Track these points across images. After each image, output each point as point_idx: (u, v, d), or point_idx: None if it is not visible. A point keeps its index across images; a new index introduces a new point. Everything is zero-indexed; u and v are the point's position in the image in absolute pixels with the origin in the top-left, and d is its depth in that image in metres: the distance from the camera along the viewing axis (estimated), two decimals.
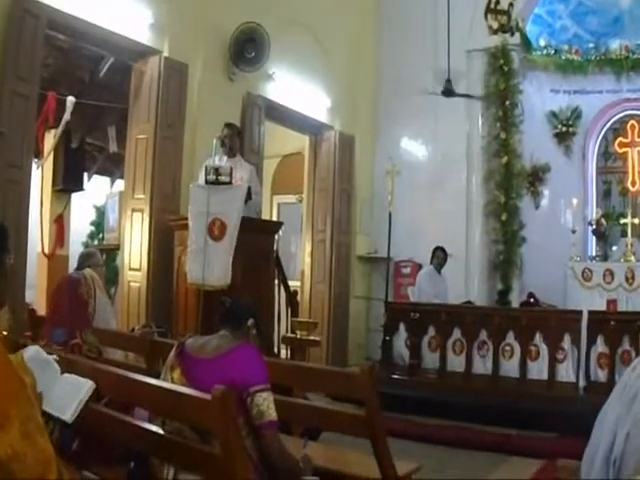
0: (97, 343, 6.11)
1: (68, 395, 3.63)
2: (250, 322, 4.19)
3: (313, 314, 12.89)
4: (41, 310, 7.75)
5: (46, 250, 11.04)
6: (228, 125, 9.10)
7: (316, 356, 11.37)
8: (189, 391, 3.60)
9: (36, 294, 10.80)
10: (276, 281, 9.88)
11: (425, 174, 13.89)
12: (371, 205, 14.28)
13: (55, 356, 3.89)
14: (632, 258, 12.58)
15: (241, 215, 7.98)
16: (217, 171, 8.01)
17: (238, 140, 9.38)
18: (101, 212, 15.17)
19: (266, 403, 3.74)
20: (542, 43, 14.84)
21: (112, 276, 11.63)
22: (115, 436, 4.23)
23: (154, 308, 9.35)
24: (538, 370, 10.14)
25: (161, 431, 3.85)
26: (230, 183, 8.05)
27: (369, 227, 14.24)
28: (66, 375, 3.78)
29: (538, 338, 10.18)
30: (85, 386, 3.70)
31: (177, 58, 9.88)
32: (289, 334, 9.70)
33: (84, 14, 8.66)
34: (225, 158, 8.91)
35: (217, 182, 7.97)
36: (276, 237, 9.80)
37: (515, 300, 13.31)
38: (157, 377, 4.11)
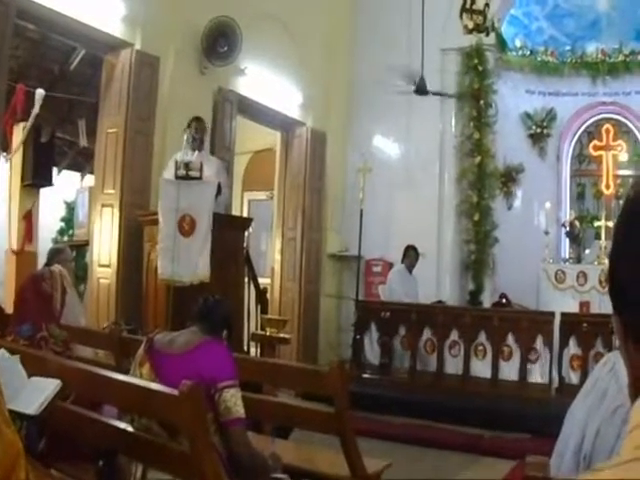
0: (63, 336, 6.08)
1: (35, 393, 3.61)
2: (224, 334, 4.19)
3: (283, 312, 12.86)
4: (9, 308, 7.70)
5: (14, 247, 10.95)
6: (198, 119, 9.04)
7: (286, 354, 11.34)
8: (157, 387, 3.60)
9: (4, 292, 10.68)
10: (246, 278, 9.88)
11: (397, 172, 13.87)
12: (342, 203, 14.25)
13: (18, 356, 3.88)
14: (605, 261, 12.59)
15: (212, 211, 7.96)
16: (187, 166, 7.98)
17: (206, 134, 9.33)
18: (71, 208, 15.06)
19: (233, 400, 3.75)
20: (518, 44, 14.89)
21: (82, 273, 11.54)
22: (83, 434, 4.22)
23: (124, 305, 9.28)
24: (510, 371, 10.20)
25: (130, 428, 3.84)
26: (200, 178, 8.02)
27: (340, 225, 14.20)
28: (33, 378, 3.76)
29: (510, 339, 10.24)
30: (52, 384, 3.68)
31: (149, 51, 9.81)
32: (259, 331, 9.70)
33: (55, 4, 8.56)
34: (195, 153, 8.81)
35: (187, 177, 7.94)
36: (246, 234, 9.81)
37: (487, 301, 13.31)
38: (126, 374, 4.09)
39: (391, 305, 11.36)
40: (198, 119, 9.08)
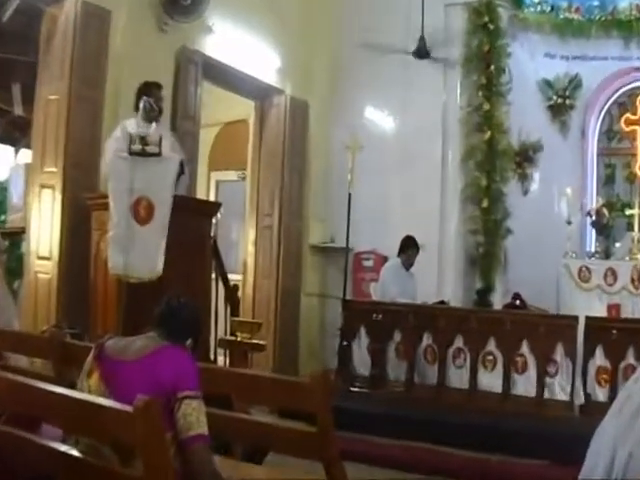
0: None
1: None
2: (188, 343, 4.15)
3: (257, 313, 12.90)
4: None
5: None
6: (157, 84, 8.95)
7: (260, 363, 11.34)
8: (106, 402, 3.55)
9: None
10: (213, 274, 9.85)
11: (392, 150, 13.84)
12: (327, 185, 14.21)
13: None
14: (639, 256, 12.55)
15: (172, 193, 7.92)
16: (144, 140, 7.91)
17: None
18: (3, 188, 15.01)
19: (195, 414, 3.74)
20: None
21: (16, 266, 11.48)
22: (16, 458, 4.16)
23: (67, 304, 9.21)
24: (525, 385, 10.19)
25: (73, 451, 3.79)
26: (159, 154, 7.95)
27: (325, 211, 14.19)
28: None
29: (525, 347, 10.22)
30: None
31: (97, 2, 9.72)
32: (228, 336, 9.67)
33: None
34: (153, 125, 8.69)
35: (144, 153, 7.87)
36: (213, 221, 9.77)
37: (498, 302, 13.26)
38: (71, 387, 4.04)
39: (384, 306, 11.36)
40: (158, 84, 9.00)
